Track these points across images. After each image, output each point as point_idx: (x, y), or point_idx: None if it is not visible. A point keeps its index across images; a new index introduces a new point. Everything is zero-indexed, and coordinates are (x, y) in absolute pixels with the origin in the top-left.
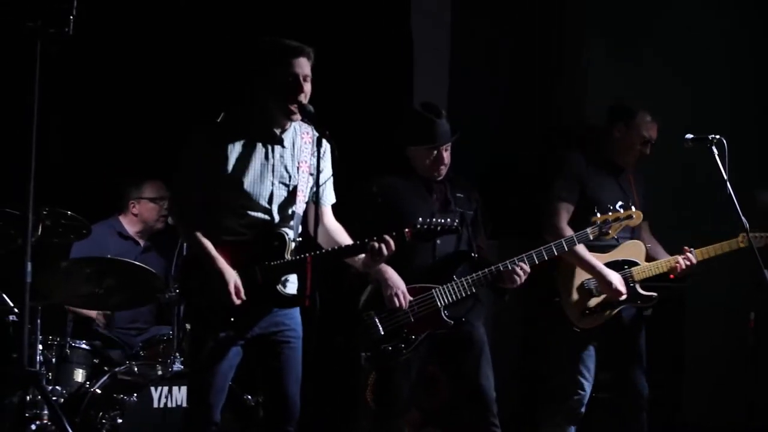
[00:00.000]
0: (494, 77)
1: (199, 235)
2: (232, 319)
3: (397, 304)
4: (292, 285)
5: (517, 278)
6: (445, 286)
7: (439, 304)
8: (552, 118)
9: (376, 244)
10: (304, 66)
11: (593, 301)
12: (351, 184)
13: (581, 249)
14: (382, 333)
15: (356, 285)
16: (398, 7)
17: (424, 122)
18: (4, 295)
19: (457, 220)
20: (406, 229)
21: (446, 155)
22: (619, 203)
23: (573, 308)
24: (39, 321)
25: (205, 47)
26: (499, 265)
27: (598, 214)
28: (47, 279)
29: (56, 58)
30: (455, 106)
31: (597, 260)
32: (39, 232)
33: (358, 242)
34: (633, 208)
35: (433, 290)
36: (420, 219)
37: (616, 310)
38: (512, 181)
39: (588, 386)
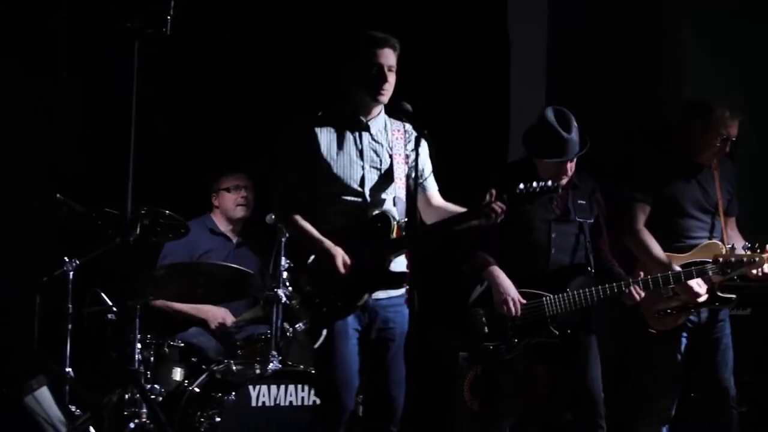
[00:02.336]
0: (592, 77)
1: (298, 218)
2: (340, 303)
3: (506, 311)
4: (396, 265)
5: (631, 300)
6: (556, 296)
7: (547, 313)
8: (650, 118)
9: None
10: (388, 57)
11: (669, 303)
12: (449, 184)
13: (658, 251)
14: (486, 331)
15: (465, 283)
16: (495, 8)
17: (552, 135)
18: (103, 294)
19: (556, 183)
20: (504, 195)
21: (570, 166)
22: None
23: (649, 310)
24: (137, 320)
25: (302, 44)
26: (614, 285)
27: (724, 250)
28: (145, 278)
29: (154, 58)
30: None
31: (674, 263)
32: (137, 232)
33: (464, 211)
34: (721, 214)
35: (544, 298)
36: (521, 185)
37: (692, 313)
38: (612, 182)
39: (675, 387)
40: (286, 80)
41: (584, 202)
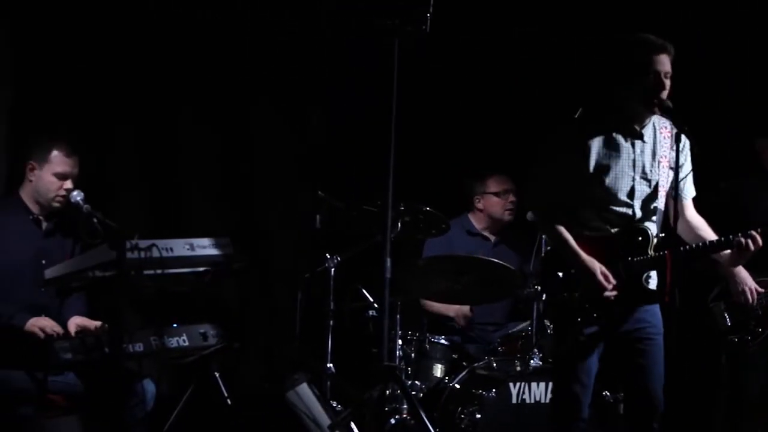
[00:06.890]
0: None
1: (560, 229)
2: (595, 315)
3: (744, 300)
4: (653, 281)
5: None
6: None
7: None
8: None
9: (743, 240)
10: (665, 63)
11: None
12: (708, 180)
13: None
14: (729, 324)
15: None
16: None
17: None
18: (365, 291)
19: None
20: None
21: None
22: None
23: None
24: (398, 316)
25: (559, 42)
26: None
27: None
28: (406, 275)
29: (413, 56)
30: None
31: None
32: (398, 228)
33: (722, 238)
34: None
35: None
36: None
37: None
38: None
39: None
40: (550, 80)
41: None
